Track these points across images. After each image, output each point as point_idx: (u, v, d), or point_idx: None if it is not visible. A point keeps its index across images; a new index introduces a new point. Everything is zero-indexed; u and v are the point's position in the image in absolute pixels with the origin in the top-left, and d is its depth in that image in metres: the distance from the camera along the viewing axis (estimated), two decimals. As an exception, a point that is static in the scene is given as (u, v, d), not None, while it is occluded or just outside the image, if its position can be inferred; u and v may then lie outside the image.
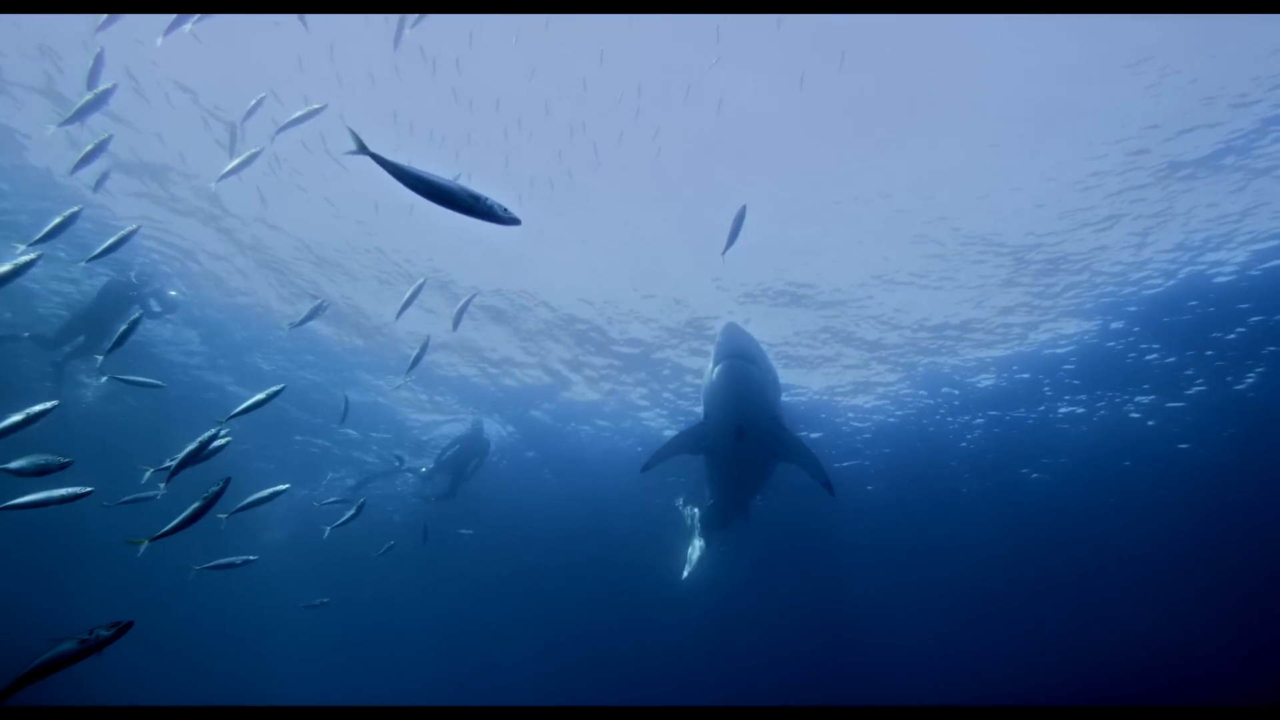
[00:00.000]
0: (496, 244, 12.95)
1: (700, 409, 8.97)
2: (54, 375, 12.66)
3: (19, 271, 4.32)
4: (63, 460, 4.41)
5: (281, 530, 29.71)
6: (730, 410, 8.23)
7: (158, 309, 11.89)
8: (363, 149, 2.77)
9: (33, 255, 4.39)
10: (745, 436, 8.55)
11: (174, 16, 5.64)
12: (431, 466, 14.72)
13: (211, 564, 6.62)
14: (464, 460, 14.25)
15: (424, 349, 7.69)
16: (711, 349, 8.55)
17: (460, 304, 8.01)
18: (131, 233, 5.02)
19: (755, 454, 9.33)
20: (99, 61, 5.98)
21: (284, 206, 12.30)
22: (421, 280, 7.64)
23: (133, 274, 11.52)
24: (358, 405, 17.09)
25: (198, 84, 10.26)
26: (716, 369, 8.02)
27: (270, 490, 5.79)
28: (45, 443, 4.64)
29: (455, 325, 8.07)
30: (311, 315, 7.76)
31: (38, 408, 4.35)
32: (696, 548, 12.64)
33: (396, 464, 17.75)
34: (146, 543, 4.46)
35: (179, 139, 10.99)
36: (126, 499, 6.25)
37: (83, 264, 5.49)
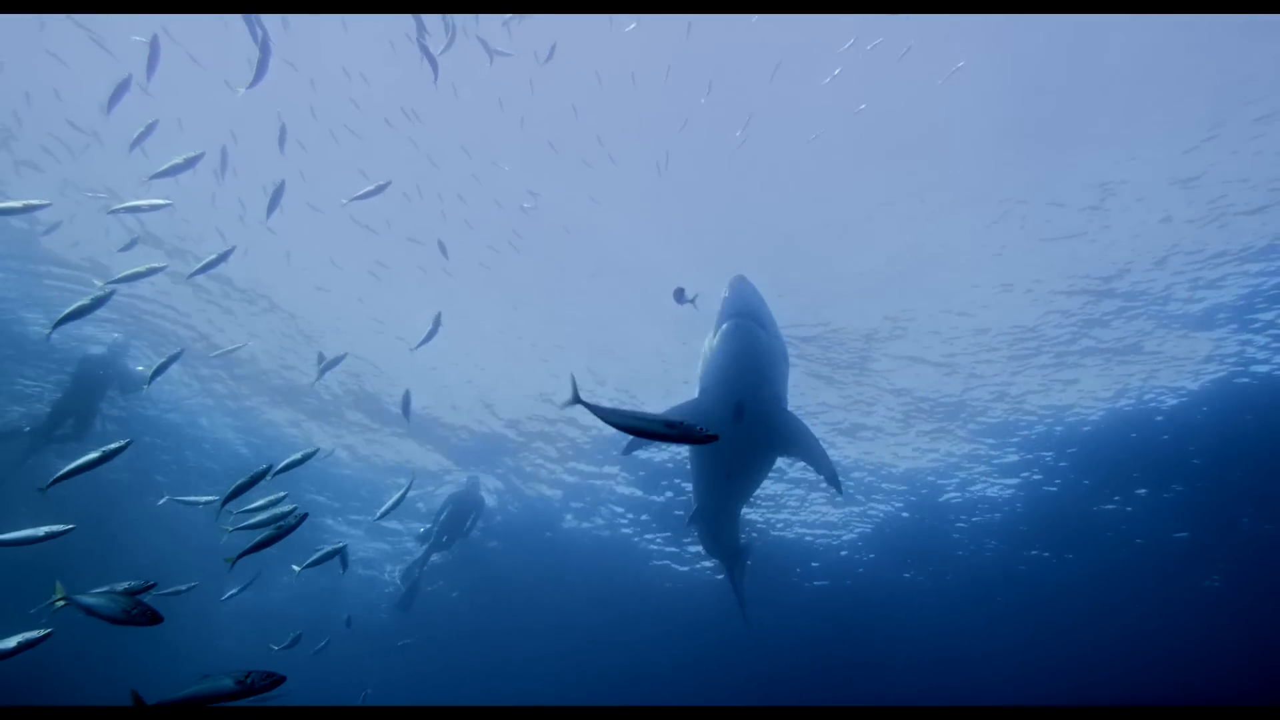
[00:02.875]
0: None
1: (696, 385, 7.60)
2: (14, 462, 11.74)
3: (97, 304, 4.24)
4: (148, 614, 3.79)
5: (230, 638, 27.76)
6: (732, 380, 6.87)
7: (120, 388, 11.38)
8: (577, 400, 3.03)
9: (106, 291, 4.33)
10: (745, 416, 7.10)
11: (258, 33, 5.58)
12: (429, 526, 14.14)
13: (285, 644, 7.95)
14: (460, 519, 13.79)
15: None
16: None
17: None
18: (229, 252, 5.00)
19: (752, 442, 7.81)
20: (123, 88, 6.01)
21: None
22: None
23: (107, 348, 11.06)
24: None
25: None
26: (720, 330, 6.77)
27: (332, 547, 5.95)
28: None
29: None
30: (332, 364, 7.68)
31: (113, 445, 4.29)
32: (730, 584, 11.04)
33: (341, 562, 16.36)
34: (234, 560, 4.77)
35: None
36: (168, 591, 6.29)
37: (187, 278, 5.42)
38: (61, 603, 3.88)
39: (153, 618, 3.69)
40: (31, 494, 4.37)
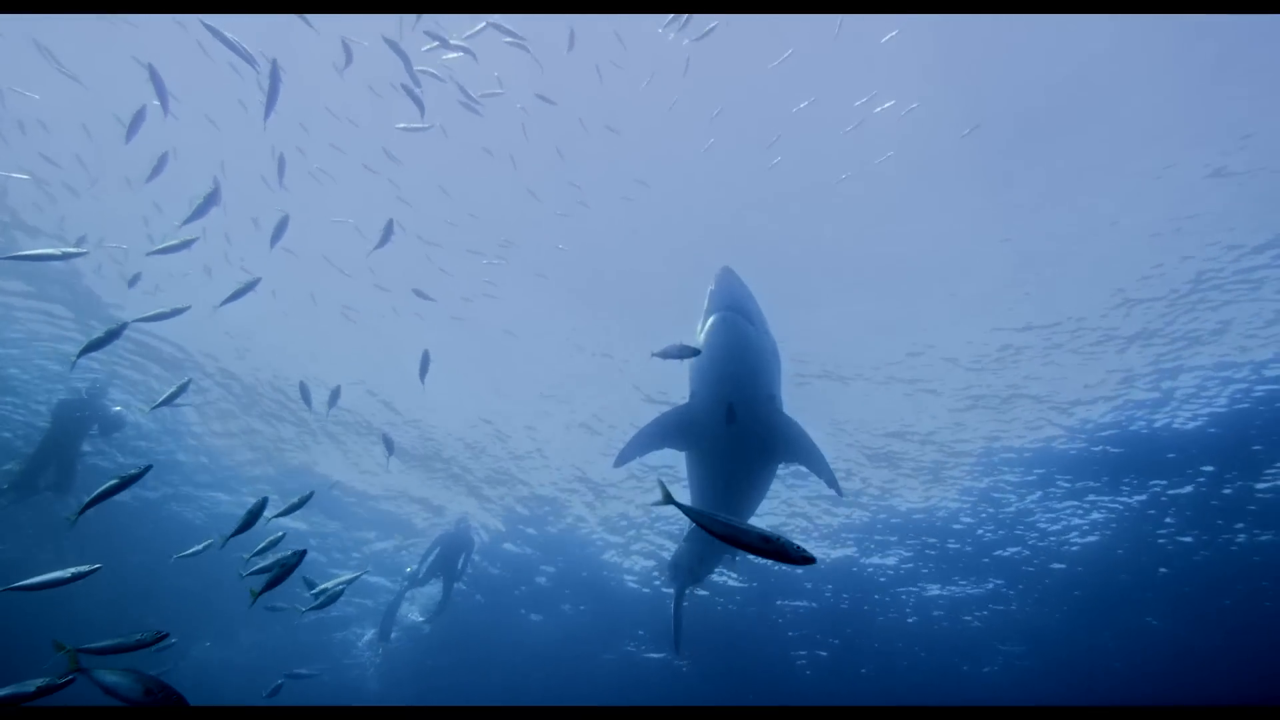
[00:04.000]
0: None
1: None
2: None
3: (112, 336, 4.24)
4: None
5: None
6: (721, 378, 6.48)
7: (100, 430, 11.01)
8: (668, 500, 3.14)
9: (119, 324, 4.33)
10: (737, 419, 6.72)
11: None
12: (415, 568, 13.77)
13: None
14: (450, 560, 13.45)
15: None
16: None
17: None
18: (255, 282, 5.02)
19: (748, 447, 7.31)
20: (139, 117, 6.10)
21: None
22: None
23: (84, 389, 10.74)
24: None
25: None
26: (706, 326, 6.38)
27: (335, 588, 5.91)
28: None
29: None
30: (333, 399, 7.72)
31: (132, 472, 4.24)
32: (674, 611, 10.27)
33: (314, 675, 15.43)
34: (256, 595, 4.85)
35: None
36: (167, 644, 6.10)
37: (215, 308, 5.40)
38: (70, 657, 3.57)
39: (176, 701, 3.38)
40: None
